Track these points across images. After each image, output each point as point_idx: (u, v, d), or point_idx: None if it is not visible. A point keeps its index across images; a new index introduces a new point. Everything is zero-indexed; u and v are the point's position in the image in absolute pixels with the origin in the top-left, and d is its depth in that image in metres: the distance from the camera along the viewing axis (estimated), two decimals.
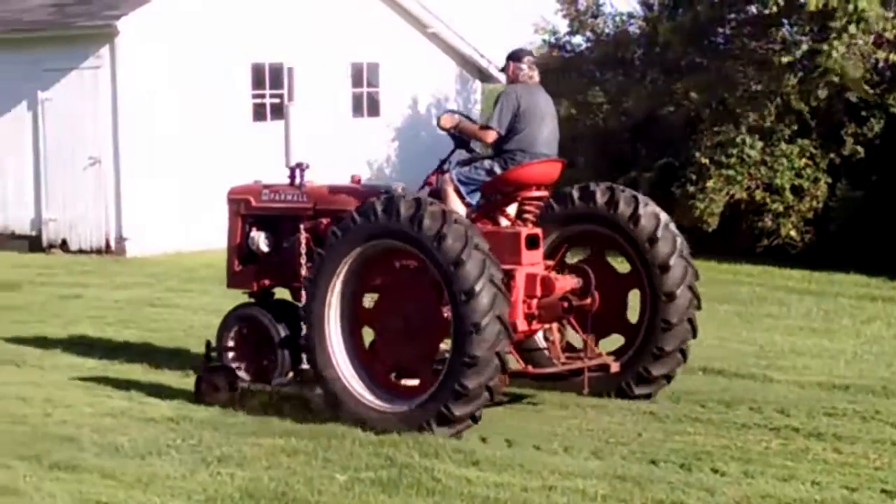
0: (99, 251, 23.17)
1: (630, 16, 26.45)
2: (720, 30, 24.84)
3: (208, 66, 24.15)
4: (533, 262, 11.55)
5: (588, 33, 26.56)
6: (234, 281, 12.83)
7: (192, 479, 9.53)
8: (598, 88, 26.46)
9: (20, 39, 24.28)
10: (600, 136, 25.97)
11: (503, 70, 12.17)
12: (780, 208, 22.94)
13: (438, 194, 11.61)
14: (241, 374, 12.17)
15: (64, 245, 23.79)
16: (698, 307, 12.13)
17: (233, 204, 12.92)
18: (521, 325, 11.44)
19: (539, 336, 12.15)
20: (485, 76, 29.08)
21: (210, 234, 23.70)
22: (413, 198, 10.86)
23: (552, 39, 26.96)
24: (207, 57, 24.14)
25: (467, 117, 12.51)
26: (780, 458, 10.04)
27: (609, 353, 12.21)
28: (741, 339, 15.55)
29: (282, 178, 12.71)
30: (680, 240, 12.05)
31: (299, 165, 12.50)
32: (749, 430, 10.95)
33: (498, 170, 11.67)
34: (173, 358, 14.04)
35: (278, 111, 25.25)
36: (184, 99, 23.76)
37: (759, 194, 23.09)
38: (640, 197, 12.19)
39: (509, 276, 11.14)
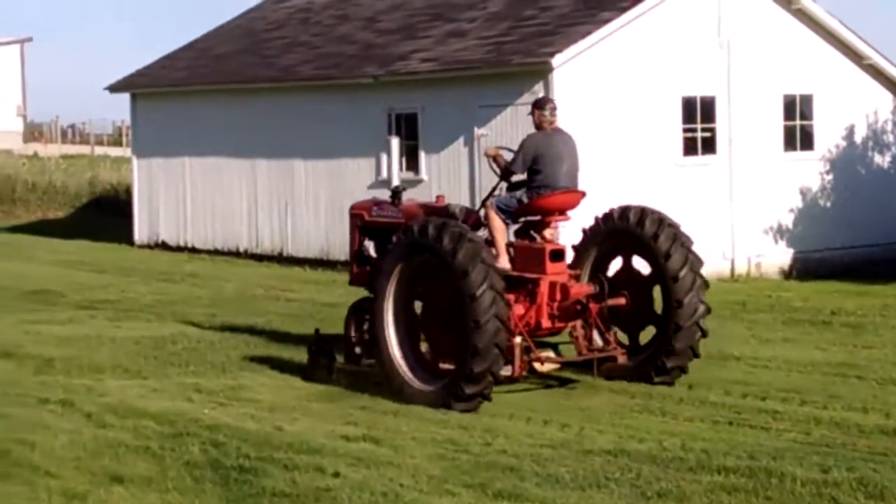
0: None
1: None
2: None
3: (639, 100, 24.27)
4: (557, 272, 14.16)
5: None
6: (353, 280, 15.47)
7: None
8: None
9: (458, 77, 25.06)
10: None
11: (530, 114, 14.70)
12: None
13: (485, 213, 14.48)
14: (338, 355, 14.78)
15: None
16: (707, 312, 14.28)
17: (352, 217, 15.64)
18: (546, 324, 14.13)
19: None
20: None
21: None
22: (441, 222, 13.44)
23: None
24: (638, 90, 24.27)
25: (510, 149, 14.76)
26: None
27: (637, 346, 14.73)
28: None
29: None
30: (692, 256, 14.26)
31: (397, 188, 15.18)
32: None
33: (526, 200, 14.30)
34: (603, 392, 14.16)
35: (709, 145, 25.13)
36: (616, 133, 23.95)
37: None
38: (665, 218, 14.44)
39: (535, 284, 14.06)
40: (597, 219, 14.97)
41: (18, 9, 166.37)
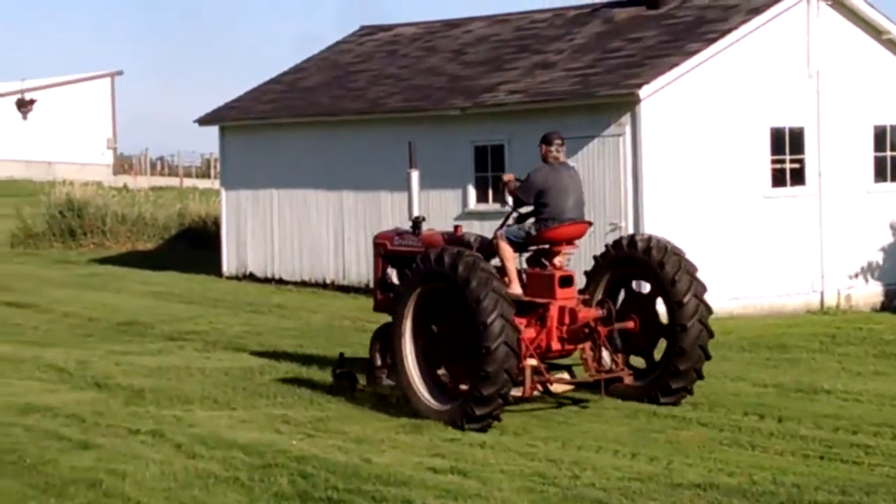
0: None
1: None
2: None
3: (727, 131, 24.15)
4: (566, 297, 14.93)
5: None
6: (377, 306, 16.27)
7: None
8: None
9: (545, 109, 25.04)
10: None
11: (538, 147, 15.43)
12: None
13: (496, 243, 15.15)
14: (360, 377, 15.76)
15: None
16: (710, 336, 15.00)
17: (376, 246, 16.58)
18: (556, 346, 14.87)
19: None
20: None
21: (724, 302, 23.69)
22: (456, 251, 14.12)
23: None
24: (726, 121, 24.15)
25: (520, 180, 15.44)
26: None
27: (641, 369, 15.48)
28: None
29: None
30: (696, 283, 14.99)
31: (417, 218, 16.04)
32: None
33: (534, 231, 15.09)
34: (691, 425, 14.06)
35: (798, 177, 24.94)
36: (703, 164, 23.84)
37: None
38: (671, 245, 15.22)
39: (546, 308, 14.79)
40: (609, 245, 15.85)
41: (109, 43, 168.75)
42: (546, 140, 15.41)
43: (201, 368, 17.96)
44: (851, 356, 19.10)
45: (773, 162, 24.76)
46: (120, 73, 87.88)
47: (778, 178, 24.82)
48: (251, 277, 31.28)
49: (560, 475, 11.81)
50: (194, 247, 38.84)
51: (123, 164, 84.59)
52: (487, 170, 26.13)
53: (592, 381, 15.03)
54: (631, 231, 23.14)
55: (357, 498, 10.91)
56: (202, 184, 67.44)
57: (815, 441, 13.22)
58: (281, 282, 30.44)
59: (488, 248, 15.27)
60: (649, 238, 15.44)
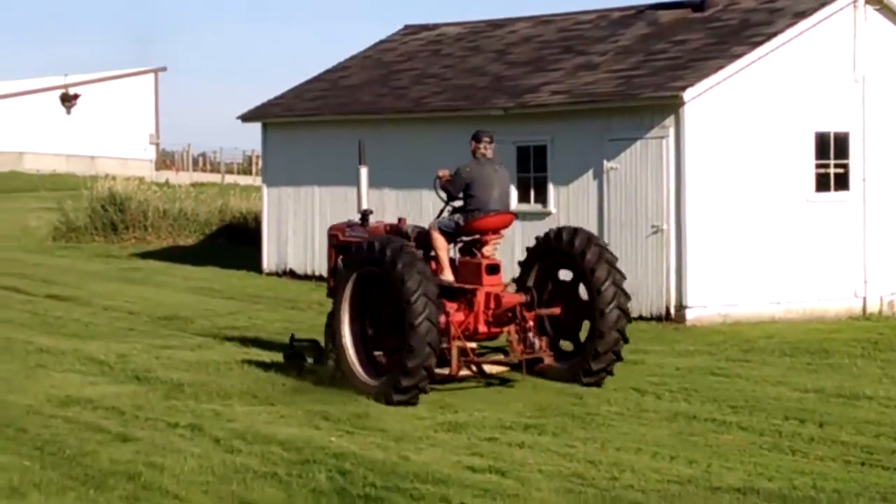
0: (659, 318, 23.32)
1: None
2: None
3: (770, 135, 24.03)
4: (492, 284, 16.23)
5: None
6: (330, 293, 16.99)
7: None
8: None
9: (588, 110, 24.99)
10: None
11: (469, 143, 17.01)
12: None
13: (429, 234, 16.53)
14: (309, 358, 17.12)
15: None
16: (628, 321, 16.41)
17: (330, 237, 17.84)
18: (482, 329, 16.15)
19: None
20: None
21: (766, 306, 23.59)
22: (386, 238, 15.61)
23: None
24: (770, 125, 24.03)
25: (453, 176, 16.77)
26: None
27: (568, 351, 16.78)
28: None
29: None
30: (615, 272, 16.26)
31: (365, 212, 17.34)
32: None
33: (462, 222, 16.48)
34: (731, 428, 13.98)
35: (842, 182, 24.78)
36: (746, 168, 23.73)
37: None
38: (593, 237, 16.62)
39: (473, 294, 16.09)
40: (539, 238, 17.09)
41: (153, 38, 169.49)
42: (476, 137, 16.95)
43: (241, 364, 17.98)
44: (893, 362, 18.96)
45: (818, 166, 24.61)
46: (163, 69, 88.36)
47: (822, 183, 24.67)
48: (291, 274, 31.32)
49: (598, 476, 11.78)
50: (234, 243, 38.94)
51: (165, 160, 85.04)
52: (530, 170, 26.05)
53: (518, 363, 16.17)
54: (673, 234, 23.10)
55: (395, 496, 10.91)
56: (244, 180, 67.66)
57: (856, 447, 13.13)
58: (321, 279, 30.36)
59: (425, 238, 16.57)
60: (575, 230, 16.69)
